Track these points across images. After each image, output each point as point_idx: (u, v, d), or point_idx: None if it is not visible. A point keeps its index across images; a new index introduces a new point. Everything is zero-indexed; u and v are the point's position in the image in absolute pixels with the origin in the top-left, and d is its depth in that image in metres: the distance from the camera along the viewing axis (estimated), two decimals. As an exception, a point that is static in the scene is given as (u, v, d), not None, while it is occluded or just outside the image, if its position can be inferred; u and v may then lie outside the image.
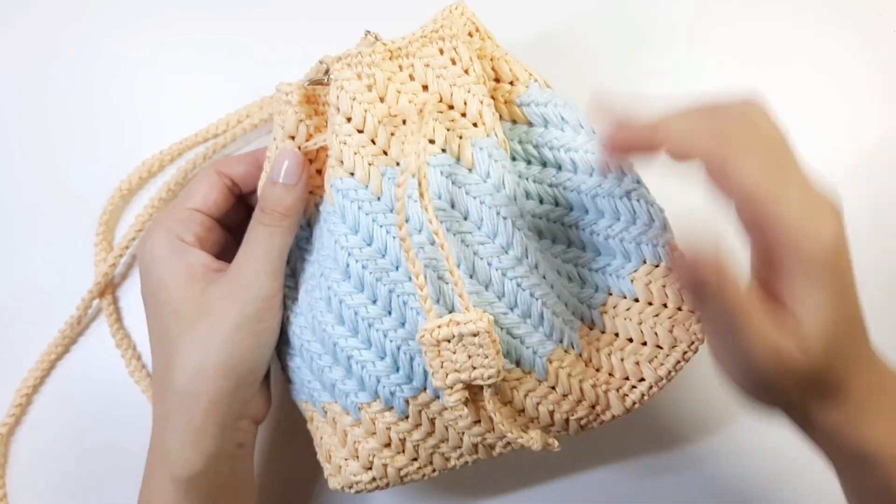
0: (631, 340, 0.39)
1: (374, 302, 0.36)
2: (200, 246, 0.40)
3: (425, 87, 0.37)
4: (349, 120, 0.36)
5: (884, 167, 0.50)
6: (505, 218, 0.36)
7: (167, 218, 0.40)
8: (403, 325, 0.36)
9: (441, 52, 0.37)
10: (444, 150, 0.36)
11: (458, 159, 0.36)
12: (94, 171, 0.51)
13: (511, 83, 0.39)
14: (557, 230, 0.40)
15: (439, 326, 0.34)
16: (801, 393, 0.31)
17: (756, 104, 0.32)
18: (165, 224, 0.40)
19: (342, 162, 0.36)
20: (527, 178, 0.39)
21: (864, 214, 0.48)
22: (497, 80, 0.39)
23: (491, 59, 0.39)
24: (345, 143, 0.36)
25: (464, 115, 0.36)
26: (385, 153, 0.36)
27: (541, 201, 0.39)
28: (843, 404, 0.31)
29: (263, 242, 0.38)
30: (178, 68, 0.53)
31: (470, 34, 0.38)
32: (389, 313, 0.36)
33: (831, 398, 0.31)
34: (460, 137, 0.36)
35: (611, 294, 0.40)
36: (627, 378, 0.39)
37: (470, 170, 0.36)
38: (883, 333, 0.44)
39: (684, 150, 0.31)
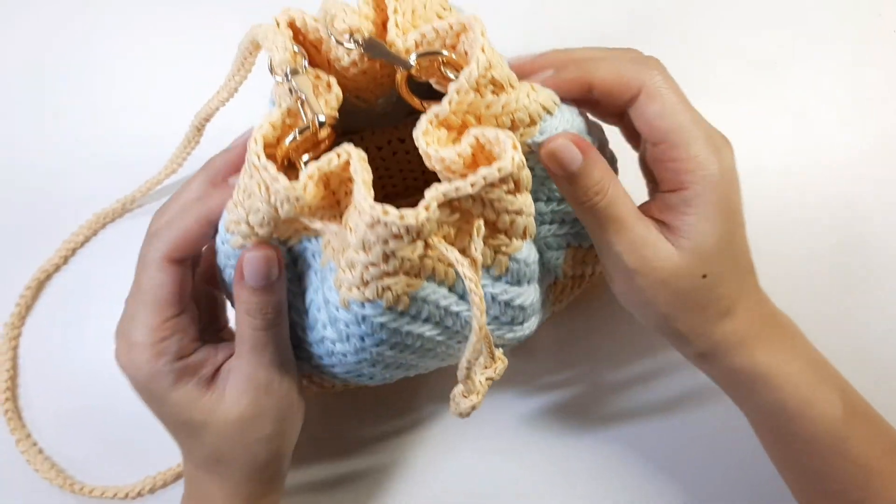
0: None
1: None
2: (189, 351, 0.35)
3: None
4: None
5: (884, 167, 0.50)
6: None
7: (139, 348, 0.34)
8: None
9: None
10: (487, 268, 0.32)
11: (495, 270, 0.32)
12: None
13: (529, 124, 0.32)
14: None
15: None
16: (682, 307, 0.33)
17: (655, 58, 0.35)
18: (143, 359, 0.34)
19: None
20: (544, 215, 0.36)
21: (864, 214, 0.48)
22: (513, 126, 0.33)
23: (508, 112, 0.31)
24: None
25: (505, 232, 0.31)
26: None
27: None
28: (732, 327, 0.34)
29: (259, 354, 0.34)
30: (174, 69, 0.53)
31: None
32: None
33: (718, 317, 0.34)
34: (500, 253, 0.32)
35: None
36: None
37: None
38: (890, 332, 0.45)
39: (611, 88, 0.33)
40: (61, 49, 0.55)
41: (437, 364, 0.36)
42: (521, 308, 0.33)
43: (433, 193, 0.26)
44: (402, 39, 0.30)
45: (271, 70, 0.29)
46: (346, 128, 0.39)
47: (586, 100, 0.34)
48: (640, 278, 0.33)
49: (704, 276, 0.33)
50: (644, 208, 0.34)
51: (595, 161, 0.31)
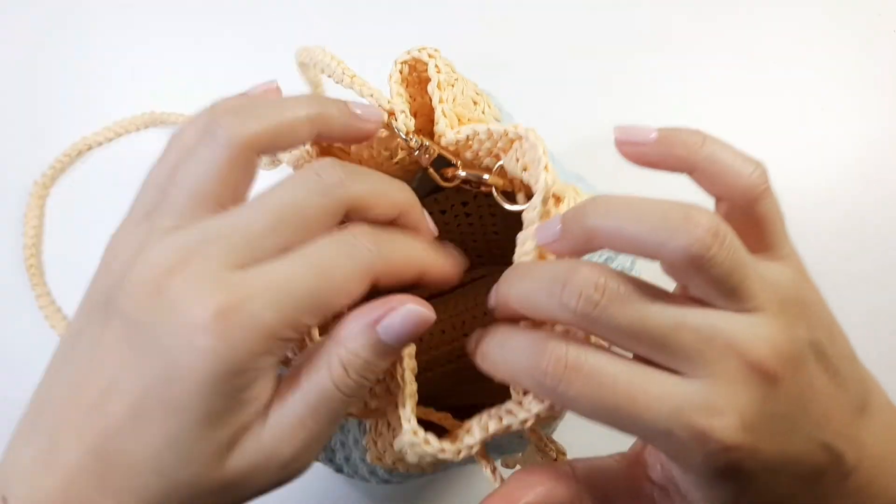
0: None
1: None
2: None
3: None
4: None
5: (884, 166, 0.51)
6: None
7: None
8: None
9: None
10: None
11: None
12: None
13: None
14: None
15: None
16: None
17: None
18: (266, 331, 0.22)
19: None
20: None
21: (864, 214, 0.49)
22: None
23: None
24: None
25: None
26: None
27: None
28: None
29: (317, 417, 0.24)
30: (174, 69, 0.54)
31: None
32: None
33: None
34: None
35: None
36: None
37: None
38: (885, 340, 0.45)
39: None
40: (55, 46, 0.56)
41: None
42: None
43: (478, 432, 0.25)
44: (455, 133, 0.28)
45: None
46: None
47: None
48: None
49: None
50: None
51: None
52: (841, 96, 0.53)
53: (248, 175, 0.24)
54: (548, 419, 0.24)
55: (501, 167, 0.28)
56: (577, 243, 0.24)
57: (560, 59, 0.54)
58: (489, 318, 0.38)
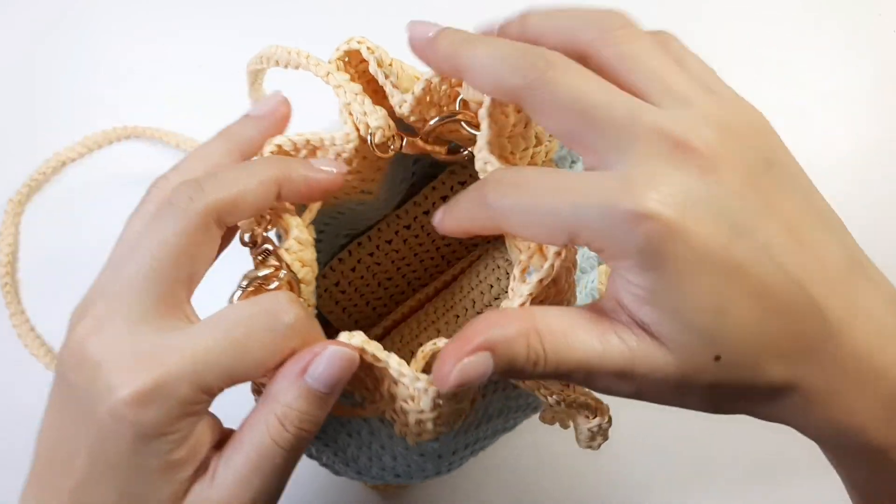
0: None
1: None
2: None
3: None
4: None
5: (883, 166, 0.50)
6: None
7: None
8: None
9: None
10: None
11: None
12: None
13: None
14: None
15: None
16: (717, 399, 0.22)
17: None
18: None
19: None
20: None
21: (864, 213, 0.47)
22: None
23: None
24: None
25: None
26: None
27: None
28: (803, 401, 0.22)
29: (261, 474, 0.24)
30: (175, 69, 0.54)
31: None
32: None
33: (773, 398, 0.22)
34: None
35: None
36: None
37: None
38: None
39: None
40: (52, 44, 0.55)
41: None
42: None
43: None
44: (412, 95, 0.27)
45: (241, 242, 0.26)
46: (352, 230, 0.38)
47: None
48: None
49: (718, 359, 0.21)
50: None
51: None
52: (841, 96, 0.53)
53: (208, 245, 0.24)
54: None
55: (463, 100, 0.27)
56: (442, 59, 0.24)
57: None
58: (495, 291, 0.40)
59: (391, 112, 0.28)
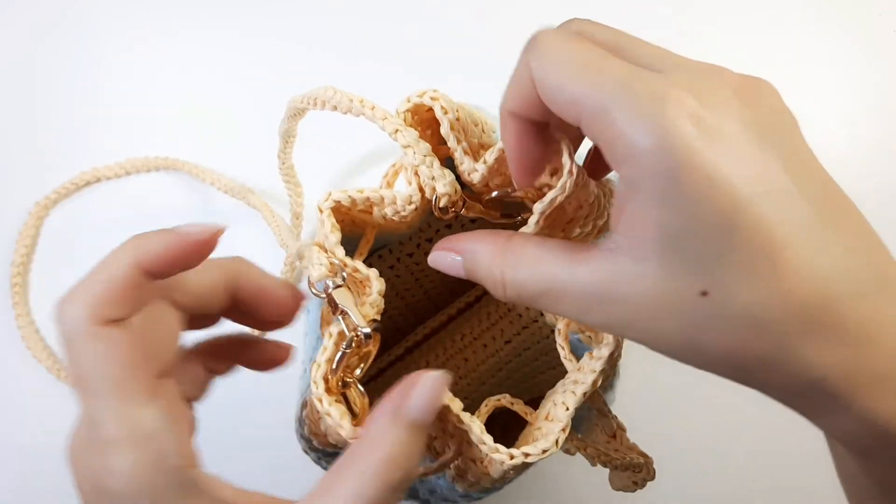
0: None
1: None
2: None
3: None
4: None
5: (883, 166, 0.51)
6: None
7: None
8: None
9: None
10: None
11: None
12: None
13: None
14: None
15: None
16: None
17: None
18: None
19: None
20: None
21: (864, 213, 0.49)
22: None
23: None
24: None
25: None
26: None
27: None
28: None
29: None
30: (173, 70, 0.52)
31: None
32: None
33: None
34: None
35: None
36: None
37: None
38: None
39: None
40: (52, 44, 0.53)
41: None
42: None
43: (562, 415, 0.25)
44: (482, 163, 0.26)
45: (309, 286, 0.26)
46: (376, 245, 0.36)
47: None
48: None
49: (705, 294, 0.19)
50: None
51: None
52: (841, 96, 0.53)
53: (107, 344, 0.22)
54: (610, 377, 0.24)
55: None
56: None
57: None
58: (523, 321, 0.40)
59: (443, 158, 0.27)
